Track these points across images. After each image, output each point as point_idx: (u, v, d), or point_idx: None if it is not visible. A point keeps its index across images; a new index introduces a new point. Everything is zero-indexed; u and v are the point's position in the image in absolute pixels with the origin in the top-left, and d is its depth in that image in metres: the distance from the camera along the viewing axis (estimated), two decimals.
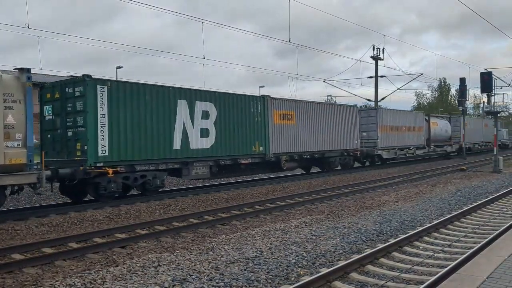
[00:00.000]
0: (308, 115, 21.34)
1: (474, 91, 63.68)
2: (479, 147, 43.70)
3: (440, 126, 35.87)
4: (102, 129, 13.11)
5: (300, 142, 20.62)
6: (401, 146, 29.53)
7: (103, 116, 13.16)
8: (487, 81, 24.40)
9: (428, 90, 73.76)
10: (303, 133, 20.88)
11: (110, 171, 13.15)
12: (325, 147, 22.47)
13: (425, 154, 33.23)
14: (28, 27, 15.50)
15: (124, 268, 6.85)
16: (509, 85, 35.13)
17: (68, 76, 14.72)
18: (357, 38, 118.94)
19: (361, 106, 28.57)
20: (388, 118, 28.31)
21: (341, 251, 7.94)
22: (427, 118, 33.96)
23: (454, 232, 9.51)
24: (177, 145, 15.20)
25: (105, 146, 13.19)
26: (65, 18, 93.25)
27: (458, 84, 36.27)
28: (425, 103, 76.68)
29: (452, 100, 74.38)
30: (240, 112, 17.65)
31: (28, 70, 11.08)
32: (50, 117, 13.91)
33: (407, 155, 30.30)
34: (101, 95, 13.14)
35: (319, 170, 24.24)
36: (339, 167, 24.52)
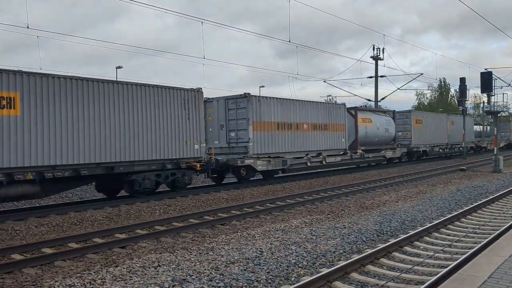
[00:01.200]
0: (61, 100, 12.22)
1: (474, 91, 63.70)
2: (440, 150, 34.59)
3: (377, 124, 27.00)
4: None
5: (34, 149, 11.61)
6: (299, 152, 20.36)
7: None
8: (487, 81, 24.40)
9: (428, 90, 73.85)
10: (42, 132, 11.79)
11: None
12: (118, 156, 13.40)
13: (345, 162, 24.02)
14: (27, 27, 15.45)
15: (124, 268, 6.84)
16: (509, 85, 35.13)
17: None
18: (358, 38, 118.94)
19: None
20: (271, 111, 18.87)
21: (341, 251, 7.92)
22: (353, 112, 25.25)
23: (455, 232, 9.50)
24: None
25: None
26: (67, 19, 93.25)
27: (458, 84, 35.92)
28: (425, 103, 76.79)
29: (452, 100, 74.47)
30: None
31: None
32: None
33: (309, 164, 20.76)
34: None
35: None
36: (167, 188, 15.93)
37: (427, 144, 32.40)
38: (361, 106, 33.00)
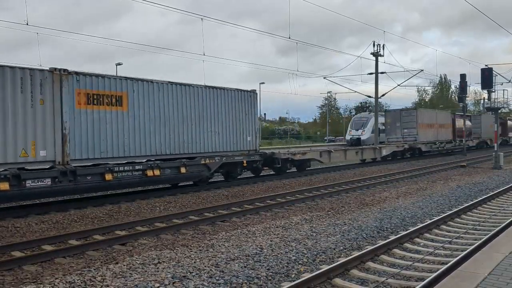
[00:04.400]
0: None
1: (474, 87, 63.61)
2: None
3: None
4: None
5: None
6: None
7: None
8: (487, 77, 24.38)
9: (429, 86, 73.74)
10: None
11: None
12: None
13: None
14: (27, 24, 15.40)
15: (124, 265, 6.84)
16: (509, 81, 35.10)
17: None
18: (358, 35, 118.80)
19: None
20: None
21: (341, 248, 7.92)
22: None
23: (455, 229, 9.50)
24: None
25: None
26: (70, 17, 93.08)
27: (459, 80, 35.70)
28: (426, 100, 76.71)
29: (452, 96, 74.44)
30: None
31: None
32: None
33: None
34: None
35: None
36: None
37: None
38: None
